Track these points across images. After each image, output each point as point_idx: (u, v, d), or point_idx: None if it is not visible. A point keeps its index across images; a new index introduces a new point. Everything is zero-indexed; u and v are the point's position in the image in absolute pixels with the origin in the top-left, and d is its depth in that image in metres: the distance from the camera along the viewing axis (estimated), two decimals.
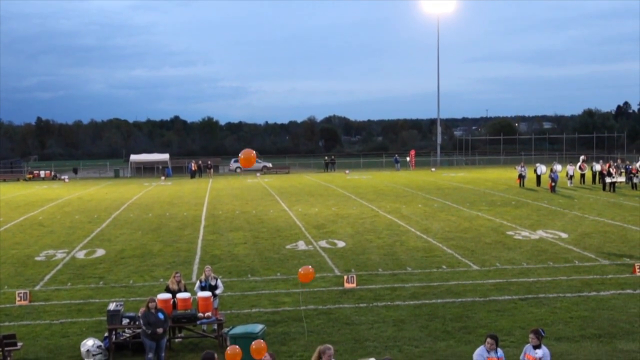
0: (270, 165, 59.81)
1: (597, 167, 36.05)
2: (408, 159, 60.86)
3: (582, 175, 37.09)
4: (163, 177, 52.19)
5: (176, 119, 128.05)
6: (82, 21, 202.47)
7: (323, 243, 19.10)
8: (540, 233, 20.14)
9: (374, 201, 29.87)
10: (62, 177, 53.66)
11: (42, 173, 54.79)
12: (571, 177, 35.93)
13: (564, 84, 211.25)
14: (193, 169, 52.65)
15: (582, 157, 38.91)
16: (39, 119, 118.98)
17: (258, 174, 54.35)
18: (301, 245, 18.90)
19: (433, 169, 56.20)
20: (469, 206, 27.14)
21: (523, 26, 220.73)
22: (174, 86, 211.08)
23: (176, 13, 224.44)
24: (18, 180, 53.49)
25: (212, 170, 54.97)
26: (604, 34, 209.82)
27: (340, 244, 18.98)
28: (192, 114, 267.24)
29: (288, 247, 18.68)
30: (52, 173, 54.95)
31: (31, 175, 54.13)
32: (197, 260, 17.23)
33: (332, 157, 62.98)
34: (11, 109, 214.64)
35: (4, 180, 52.97)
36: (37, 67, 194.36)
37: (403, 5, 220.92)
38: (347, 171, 54.49)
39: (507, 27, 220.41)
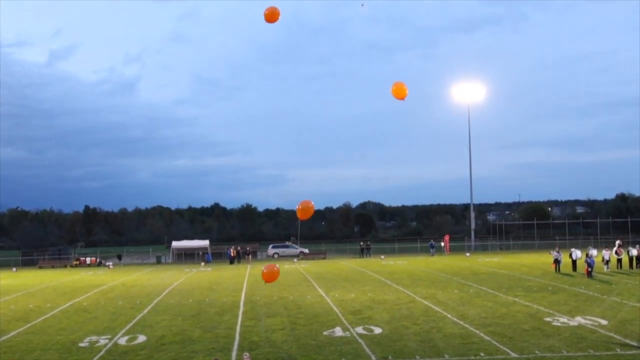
0: (307, 251, 60.51)
1: (634, 251, 35.63)
2: (442, 244, 60.75)
3: (619, 260, 36.56)
4: (203, 263, 53.22)
5: (216, 206, 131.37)
6: (130, 115, 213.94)
7: (360, 329, 19.27)
8: (579, 319, 19.92)
9: (410, 287, 29.95)
10: (107, 263, 55.35)
11: (87, 259, 56.69)
12: (607, 262, 35.44)
13: (595, 169, 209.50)
14: (232, 255, 53.61)
15: (618, 242, 38.51)
16: (86, 207, 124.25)
17: (295, 260, 54.88)
18: (338, 331, 19.11)
19: (468, 254, 55.76)
20: (505, 292, 26.99)
21: (552, 113, 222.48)
22: (215, 175, 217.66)
23: (217, 107, 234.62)
24: (65, 266, 55.38)
25: (250, 256, 55.85)
26: (632, 120, 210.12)
27: (377, 330, 19.12)
28: (232, 201, 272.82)
29: (325, 333, 18.90)
30: (97, 259, 56.74)
31: (77, 262, 56.05)
32: (235, 346, 17.58)
33: (368, 242, 63.26)
34: (60, 198, 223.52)
35: (52, 267, 54.93)
36: (86, 158, 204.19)
37: (433, 95, 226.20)
38: (382, 256, 54.56)
39: (536, 115, 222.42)
